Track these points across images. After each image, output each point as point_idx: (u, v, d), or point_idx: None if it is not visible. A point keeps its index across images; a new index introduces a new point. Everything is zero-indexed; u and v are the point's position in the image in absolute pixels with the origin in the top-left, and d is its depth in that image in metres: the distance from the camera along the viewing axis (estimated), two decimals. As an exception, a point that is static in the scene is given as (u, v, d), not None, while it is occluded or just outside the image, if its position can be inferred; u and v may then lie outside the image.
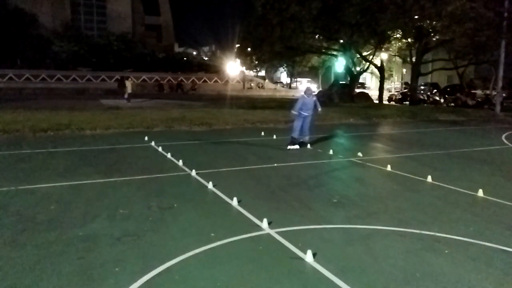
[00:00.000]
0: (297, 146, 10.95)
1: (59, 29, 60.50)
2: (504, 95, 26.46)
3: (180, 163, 8.73)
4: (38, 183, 7.06)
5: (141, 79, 48.51)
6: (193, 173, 7.83)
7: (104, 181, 7.27)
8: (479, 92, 33.73)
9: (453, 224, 5.32)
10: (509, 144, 12.49)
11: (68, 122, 14.62)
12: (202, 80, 53.30)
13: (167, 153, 9.84)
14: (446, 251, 4.43)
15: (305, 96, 10.94)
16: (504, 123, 19.26)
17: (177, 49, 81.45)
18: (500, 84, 23.93)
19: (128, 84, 29.56)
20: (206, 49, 77.44)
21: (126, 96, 28.86)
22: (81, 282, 3.69)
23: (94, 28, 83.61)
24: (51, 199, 6.15)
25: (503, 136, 14.26)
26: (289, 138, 11.10)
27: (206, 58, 65.06)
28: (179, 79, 50.14)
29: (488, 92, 32.79)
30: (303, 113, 10.81)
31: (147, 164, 8.78)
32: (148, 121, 15.98)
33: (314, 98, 11.09)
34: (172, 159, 9.28)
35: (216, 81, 54.14)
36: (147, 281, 3.71)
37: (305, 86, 13.37)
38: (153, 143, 11.28)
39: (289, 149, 10.78)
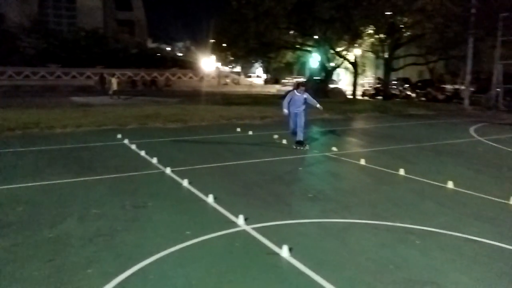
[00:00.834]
0: (306, 146, 10.32)
1: (27, 24, 58.38)
2: (472, 89, 27.30)
3: (155, 160, 8.60)
4: (5, 184, 6.79)
5: (115, 76, 47.44)
6: (168, 170, 7.72)
7: (75, 181, 7.07)
8: (448, 86, 34.69)
9: (424, 215, 5.45)
10: (477, 137, 12.91)
11: (37, 121, 14.14)
12: (177, 76, 52.69)
13: (141, 151, 9.67)
14: (418, 242, 4.54)
15: (295, 92, 10.30)
16: (472, 116, 19.90)
17: (151, 44, 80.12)
18: (468, 78, 24.69)
19: (114, 81, 29.20)
20: (180, 44, 76.54)
21: (110, 92, 28.46)
22: (51, 286, 3.57)
23: (64, 23, 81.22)
24: (19, 200, 5.93)
25: (472, 129, 14.73)
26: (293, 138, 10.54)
27: (180, 54, 64.25)
28: (153, 75, 49.38)
29: (457, 86, 33.76)
30: (293, 110, 10.24)
31: (120, 163, 8.59)
32: (121, 118, 15.66)
33: (305, 95, 10.29)
34: (146, 157, 9.12)
35: (191, 77, 53.64)
36: (121, 281, 3.63)
37: (296, 82, 12.58)
38: (126, 141, 11.05)
39: (298, 149, 10.19)
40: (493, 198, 6.22)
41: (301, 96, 10.25)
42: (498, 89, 25.11)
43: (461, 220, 5.28)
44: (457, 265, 4.01)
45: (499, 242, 4.56)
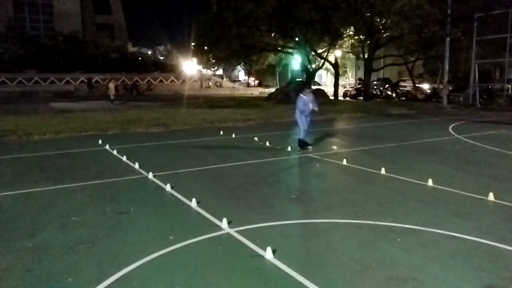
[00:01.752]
0: (309, 147, 10.41)
1: (2, 30, 56.98)
2: (450, 88, 27.93)
3: (136, 166, 8.51)
4: (-18, 193, 6.62)
5: (93, 81, 46.73)
6: (150, 175, 7.65)
7: (55, 188, 6.94)
8: (427, 86, 35.40)
9: (405, 213, 5.55)
10: (456, 135, 13.20)
11: (15, 127, 13.85)
12: (158, 80, 52.22)
13: (122, 156, 9.56)
14: (399, 240, 4.62)
15: (302, 95, 10.41)
16: (451, 115, 20.34)
17: (131, 48, 79.11)
18: (446, 78, 25.25)
19: (112, 86, 29.88)
20: (161, 48, 75.78)
21: (112, 98, 29.04)
22: (31, 296, 3.50)
23: (41, 28, 79.50)
24: (-3, 209, 5.79)
25: (450, 127, 15.05)
26: (298, 141, 10.55)
27: (161, 58, 63.68)
28: (134, 80, 48.81)
29: (435, 85, 34.48)
30: (302, 113, 10.30)
31: (101, 169, 8.48)
32: (102, 124, 15.46)
33: (311, 97, 10.39)
34: (128, 162, 9.02)
35: (172, 81, 53.24)
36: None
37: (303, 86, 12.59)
38: (107, 147, 10.91)
39: (300, 152, 10.20)
40: (471, 195, 6.37)
41: (308, 98, 10.33)
42: (474, 88, 25.76)
43: (440, 217, 5.39)
44: (437, 261, 4.09)
45: (477, 237, 4.67)
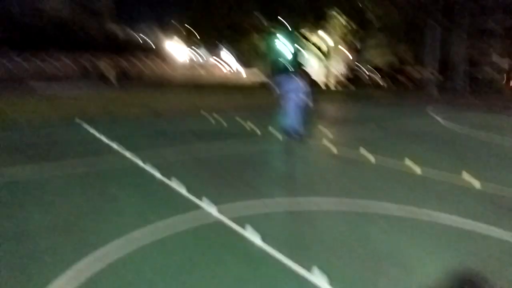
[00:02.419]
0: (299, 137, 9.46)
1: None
2: (437, 75, 28.12)
3: (116, 146, 8.35)
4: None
5: (74, 61, 45.60)
6: (130, 155, 7.52)
7: (32, 168, 6.76)
8: (416, 73, 35.61)
9: (388, 196, 5.55)
10: (441, 120, 13.31)
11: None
12: (142, 61, 51.33)
13: (102, 136, 9.37)
14: (381, 221, 4.62)
15: (293, 78, 9.60)
16: (438, 101, 20.51)
17: (115, 28, 77.43)
18: (433, 65, 25.37)
19: (111, 67, 30.66)
20: (146, 28, 74.19)
21: (112, 78, 29.04)
22: (6, 276, 3.39)
23: (23, 7, 77.07)
24: (-28, 188, 5.62)
25: (436, 113, 15.17)
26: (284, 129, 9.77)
27: (146, 39, 62.52)
28: (119, 60, 47.86)
29: (423, 72, 34.68)
30: (291, 97, 9.39)
31: (81, 149, 8.28)
32: (84, 106, 15.16)
33: (303, 82, 9.55)
34: (108, 142, 8.84)
35: (157, 62, 52.39)
36: (81, 268, 3.49)
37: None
38: (88, 127, 10.68)
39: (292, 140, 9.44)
40: (447, 174, 6.43)
41: (299, 83, 9.52)
42: (460, 74, 25.99)
43: (423, 201, 5.41)
44: (416, 241, 4.11)
45: (458, 220, 4.70)
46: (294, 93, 9.39)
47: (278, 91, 9.57)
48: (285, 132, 9.61)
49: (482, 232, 4.38)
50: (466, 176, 6.26)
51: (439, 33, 24.99)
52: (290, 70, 34.10)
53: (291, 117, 9.43)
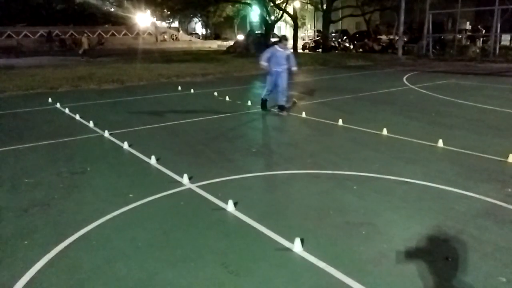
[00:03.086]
0: (285, 113, 9.16)
1: None
2: (405, 39, 28.40)
3: (91, 124, 8.19)
4: None
5: (38, 34, 43.40)
6: (106, 133, 7.40)
7: (3, 150, 6.58)
8: (384, 37, 35.84)
9: (361, 162, 5.76)
10: (410, 85, 13.61)
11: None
12: (110, 34, 49.34)
13: (75, 114, 9.14)
14: (355, 187, 4.81)
15: (277, 47, 9.07)
16: (405, 65, 20.85)
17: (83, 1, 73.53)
18: (401, 29, 25.58)
19: (84, 40, 29.01)
20: (117, 1, 70.72)
21: (81, 52, 27.97)
22: (-15, 261, 3.38)
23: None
24: None
25: (404, 78, 15.47)
26: (261, 102, 9.57)
27: (112, 9, 59.79)
28: (84, 33, 45.83)
29: (391, 37, 34.94)
30: (273, 68, 9.02)
31: (53, 128, 8.09)
32: (51, 81, 14.61)
33: (288, 52, 9.14)
34: (82, 120, 8.65)
35: (125, 34, 50.50)
36: (62, 250, 3.51)
37: (281, 35, 10.26)
38: (58, 105, 10.37)
39: (263, 112, 9.34)
40: (422, 142, 6.69)
41: (284, 52, 9.04)
42: (428, 39, 26.36)
43: (394, 164, 5.64)
44: (390, 205, 4.32)
45: (427, 181, 4.95)
46: (278, 65, 9.00)
47: (265, 64, 9.02)
48: (261, 106, 9.53)
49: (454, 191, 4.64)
50: (441, 143, 6.53)
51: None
52: (265, 38, 33.69)
53: (266, 90, 9.34)
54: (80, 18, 50.61)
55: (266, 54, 9.04)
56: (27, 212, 4.28)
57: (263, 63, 9.03)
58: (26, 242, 3.66)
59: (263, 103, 9.57)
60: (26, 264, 3.29)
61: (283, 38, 9.31)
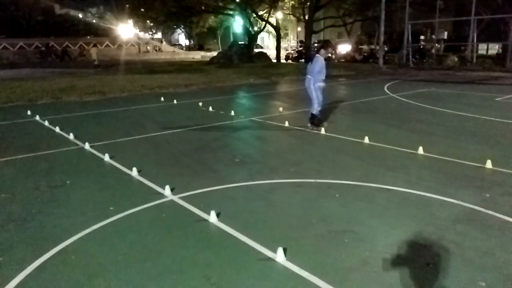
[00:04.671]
0: (324, 124, 8.52)
1: None
2: (386, 49, 28.98)
3: (71, 136, 8.05)
4: None
5: (17, 46, 42.74)
6: (87, 146, 7.29)
7: None
8: (365, 47, 36.48)
9: (344, 170, 5.79)
10: (391, 93, 13.84)
11: None
12: (92, 45, 48.93)
13: (55, 127, 8.98)
14: (337, 195, 4.83)
15: (320, 56, 8.15)
16: (386, 74, 21.23)
17: (59, 11, 72.86)
18: (382, 39, 26.10)
19: (94, 50, 29.99)
20: (93, 10, 70.28)
21: (96, 63, 28.58)
22: (-43, 280, 3.25)
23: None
24: None
25: (385, 87, 15.74)
26: (310, 115, 8.59)
27: (94, 21, 59.38)
28: (65, 45, 45.33)
29: (372, 47, 35.60)
30: (317, 81, 8.21)
31: (32, 141, 7.92)
32: (30, 93, 14.37)
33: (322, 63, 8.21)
34: (62, 133, 8.50)
35: (107, 45, 50.14)
36: (39, 266, 3.41)
37: (323, 43, 8.77)
38: (37, 117, 10.18)
39: (313, 129, 8.41)
40: (403, 150, 6.78)
41: (323, 62, 8.18)
42: (408, 48, 26.95)
43: (375, 172, 5.69)
44: (371, 213, 4.34)
45: (408, 189, 5.01)
46: (321, 75, 8.23)
47: (311, 77, 8.17)
48: (311, 120, 8.58)
49: (435, 197, 4.70)
50: (422, 150, 6.63)
51: (386, 6, 25.63)
52: (248, 49, 33.83)
53: (317, 103, 8.39)
54: (61, 30, 50.12)
55: (317, 68, 8.04)
56: (3, 228, 4.16)
57: (321, 84, 8.21)
58: (1, 259, 3.55)
59: (315, 118, 8.52)
60: (1, 282, 3.18)
61: (327, 45, 8.30)
